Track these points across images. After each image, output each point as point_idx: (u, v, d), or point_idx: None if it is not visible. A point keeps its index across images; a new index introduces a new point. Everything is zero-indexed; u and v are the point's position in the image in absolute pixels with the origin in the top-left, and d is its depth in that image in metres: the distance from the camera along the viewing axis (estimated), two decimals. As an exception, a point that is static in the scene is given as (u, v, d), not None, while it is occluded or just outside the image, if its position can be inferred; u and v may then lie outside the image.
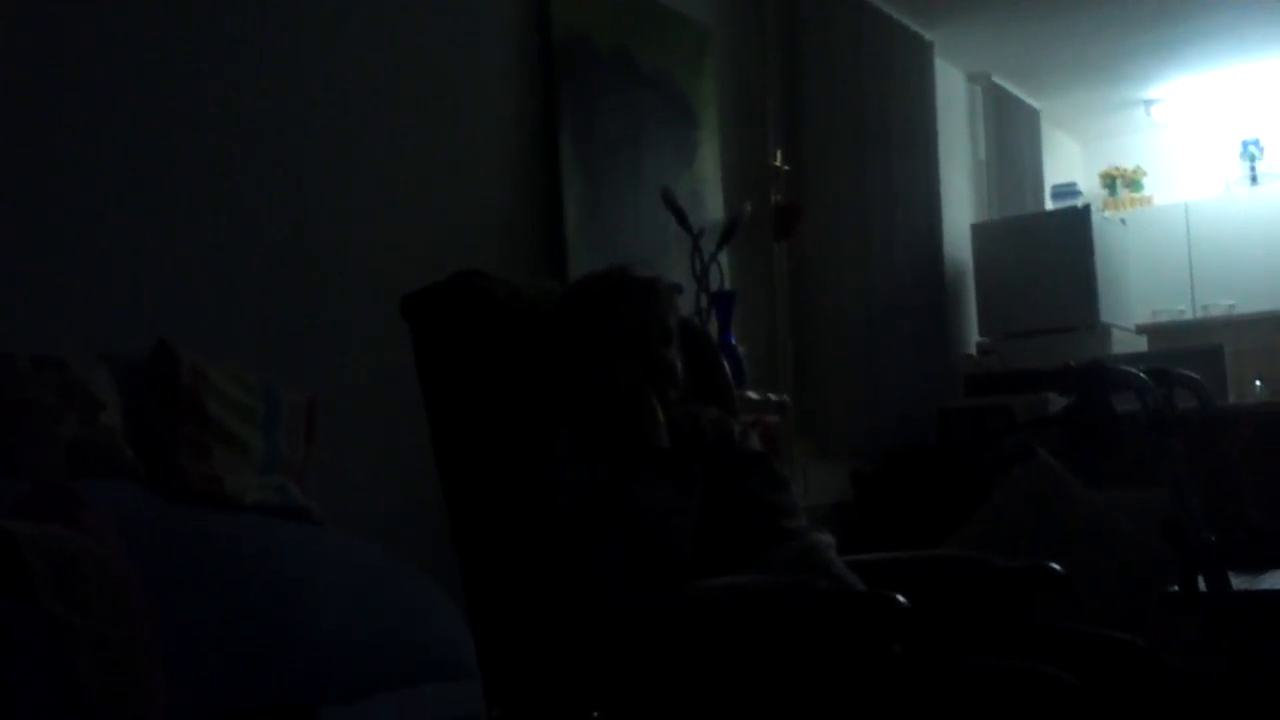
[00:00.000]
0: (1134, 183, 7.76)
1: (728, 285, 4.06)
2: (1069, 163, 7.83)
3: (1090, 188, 7.75)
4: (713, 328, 3.81)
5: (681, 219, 3.83)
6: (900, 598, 1.55)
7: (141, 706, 1.56)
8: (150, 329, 2.22)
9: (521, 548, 1.82)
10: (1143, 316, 6.92)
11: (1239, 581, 2.10)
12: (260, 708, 1.78)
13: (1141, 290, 6.84)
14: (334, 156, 2.95)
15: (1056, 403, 4.58)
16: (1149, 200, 7.68)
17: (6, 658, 1.48)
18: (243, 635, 1.84)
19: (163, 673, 1.60)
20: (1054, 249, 6.04)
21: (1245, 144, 7.48)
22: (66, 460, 1.93)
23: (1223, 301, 7.13)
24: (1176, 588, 1.96)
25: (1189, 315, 7.22)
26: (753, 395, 3.84)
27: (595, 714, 1.26)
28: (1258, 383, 6.62)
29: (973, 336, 6.34)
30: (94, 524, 1.71)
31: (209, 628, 1.80)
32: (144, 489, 2.00)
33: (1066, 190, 7.17)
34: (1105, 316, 5.99)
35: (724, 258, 4.03)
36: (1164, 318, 7.16)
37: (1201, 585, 1.90)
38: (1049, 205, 7.00)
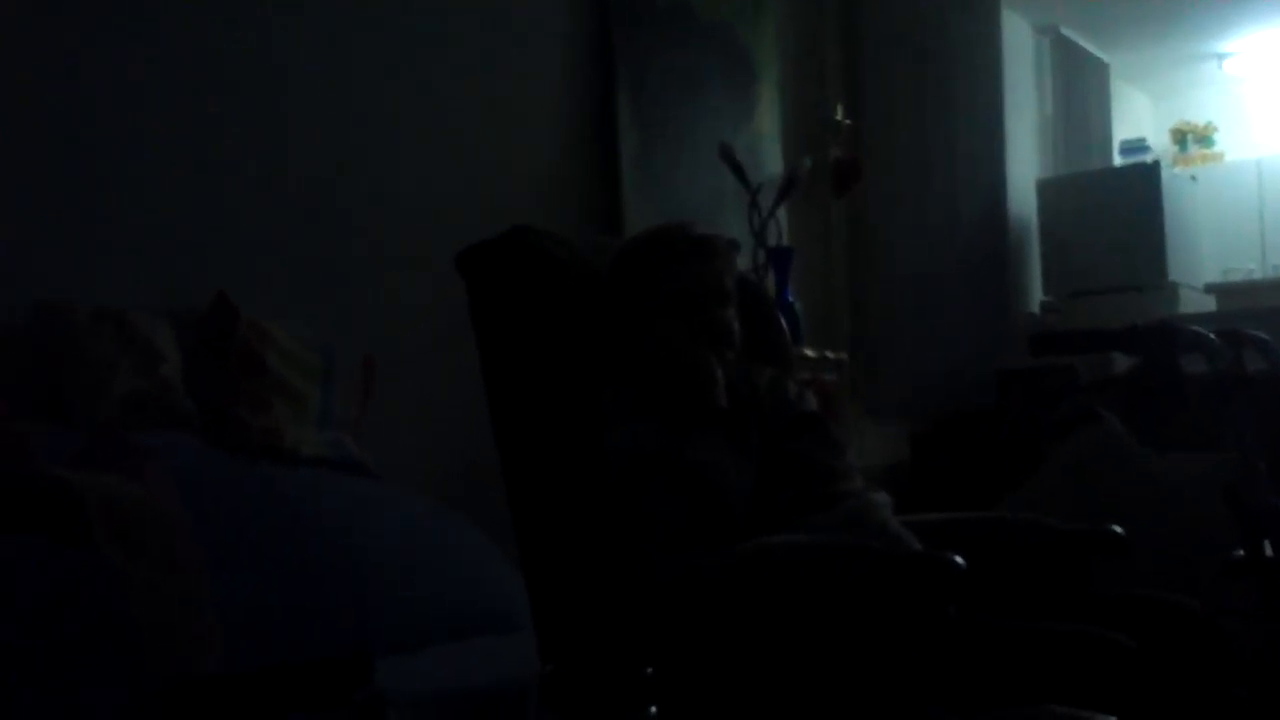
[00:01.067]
0: (1205, 139, 7.59)
1: (785, 241, 4.02)
2: (1138, 118, 7.66)
3: (1160, 144, 7.58)
4: (770, 284, 3.78)
5: (739, 174, 3.79)
6: (957, 558, 1.53)
7: (197, 650, 1.59)
8: (206, 284, 2.24)
9: (574, 505, 1.83)
10: (1212, 275, 6.78)
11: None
12: (316, 656, 1.80)
13: (1211, 249, 6.70)
14: (389, 112, 2.95)
15: (1122, 363, 4.50)
16: (1220, 156, 7.51)
17: (66, 604, 1.50)
18: (298, 585, 1.87)
19: (218, 620, 1.63)
20: (1122, 206, 5.92)
21: (1321, 99, 7.28)
22: (125, 411, 1.95)
23: (1295, 261, 6.98)
24: (1240, 553, 1.92)
25: (1259, 275, 7.07)
26: (809, 353, 3.80)
27: (648, 670, 1.27)
28: (1330, 344, 6.46)
29: (1036, 295, 6.24)
30: (151, 474, 1.73)
31: (265, 577, 1.83)
32: (202, 440, 2.03)
33: (1135, 146, 7.01)
34: (1173, 275, 5.88)
35: (782, 214, 3.99)
36: (1234, 277, 7.01)
37: (1267, 550, 1.86)
38: (1117, 161, 6.86)
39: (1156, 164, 6.15)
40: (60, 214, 2.24)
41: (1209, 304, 6.32)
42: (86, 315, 1.97)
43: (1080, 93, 6.69)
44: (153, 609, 1.57)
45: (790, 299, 3.85)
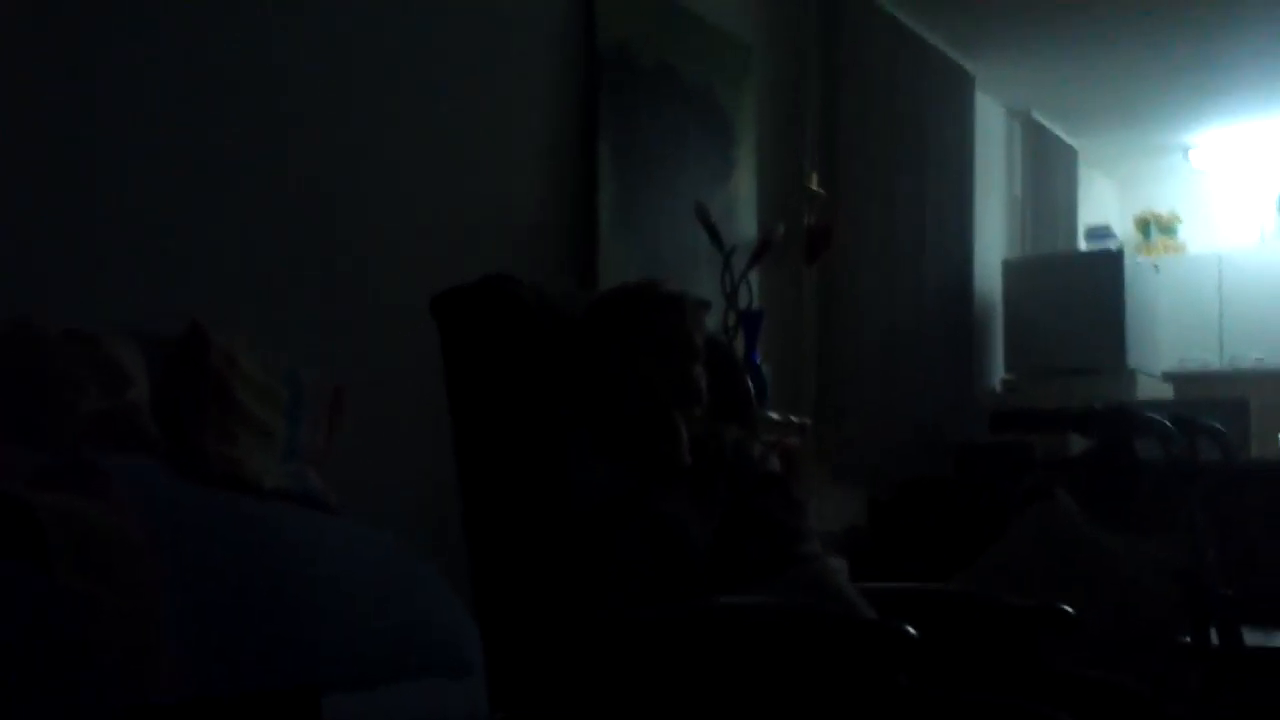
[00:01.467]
0: (1168, 228, 7.73)
1: (756, 304, 4.06)
2: (1104, 204, 7.80)
3: (1124, 231, 7.71)
4: (739, 346, 3.81)
5: (714, 235, 3.84)
6: (909, 628, 1.54)
7: (152, 675, 1.57)
8: (182, 310, 2.23)
9: (534, 550, 1.83)
10: (1170, 364, 6.88)
11: (1252, 637, 2.09)
12: (265, 688, 1.78)
13: (1170, 337, 6.81)
14: (373, 151, 2.97)
15: (1078, 444, 4.56)
16: (1183, 247, 7.65)
17: (22, 626, 1.49)
18: (251, 616, 1.85)
19: (171, 645, 1.61)
20: (1085, 290, 6.02)
21: (1282, 196, 7.44)
22: (90, 432, 1.94)
23: (1251, 354, 7.09)
24: (1188, 638, 1.95)
25: (1216, 365, 7.18)
26: (774, 416, 3.83)
27: (598, 722, 1.27)
28: (1281, 438, 6.57)
29: (998, 372, 6.31)
30: (112, 496, 1.72)
31: (219, 606, 1.81)
32: (165, 466, 2.01)
33: (1100, 232, 7.14)
34: (1132, 361, 5.96)
35: (754, 276, 4.03)
36: (1191, 366, 7.12)
37: (1214, 638, 1.89)
38: (1082, 246, 6.98)
39: (1120, 251, 6.26)
40: (34, 233, 2.24)
41: (1166, 391, 6.41)
42: (56, 335, 1.96)
43: (1049, 176, 6.82)
44: (109, 631, 1.55)
45: (758, 361, 3.89)
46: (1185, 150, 7.34)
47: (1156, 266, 6.97)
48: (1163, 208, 7.80)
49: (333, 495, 2.27)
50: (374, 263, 2.92)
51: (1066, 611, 1.96)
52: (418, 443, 2.57)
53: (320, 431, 2.32)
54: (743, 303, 3.95)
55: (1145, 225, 7.78)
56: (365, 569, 2.08)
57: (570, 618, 1.74)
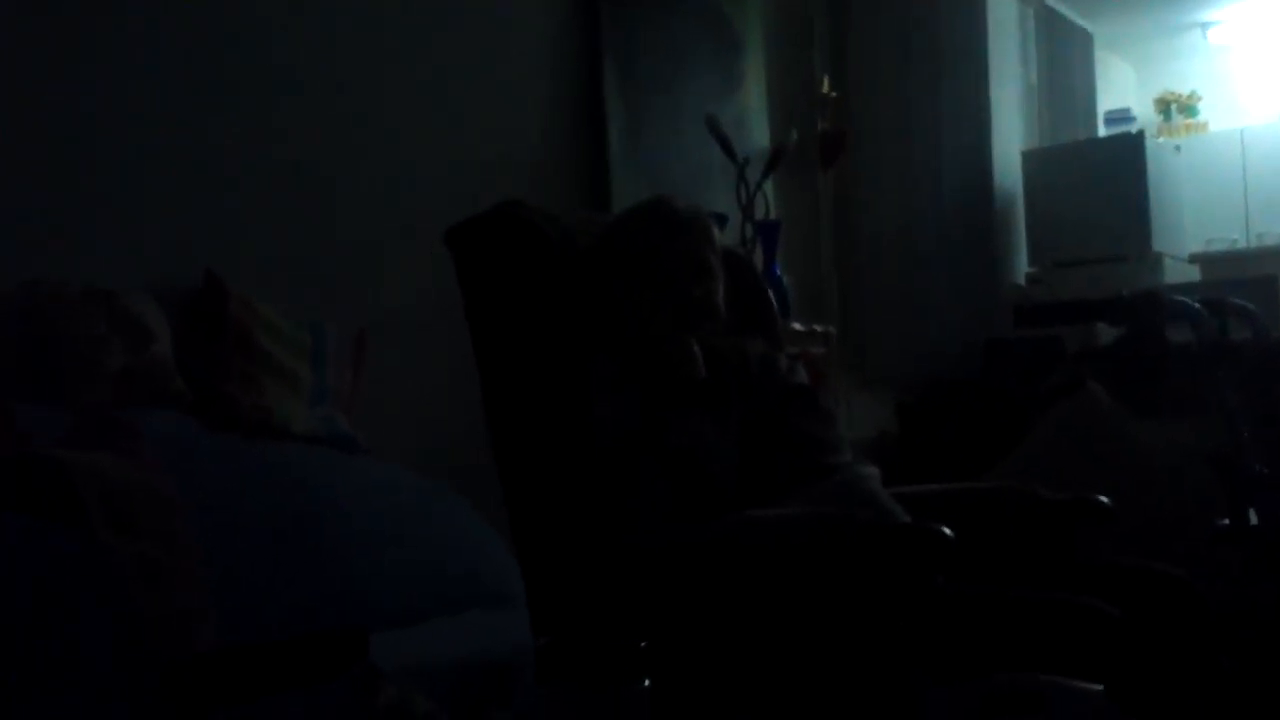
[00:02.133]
0: (1189, 108, 7.59)
1: (773, 215, 4.02)
2: (1122, 88, 7.66)
3: (1144, 113, 7.58)
4: (758, 258, 3.79)
5: (726, 147, 3.79)
6: (944, 529, 1.54)
7: (190, 627, 1.59)
8: (196, 263, 2.23)
9: (563, 479, 1.84)
10: (1196, 245, 6.80)
11: (1290, 515, 2.08)
12: (310, 631, 1.81)
13: (1195, 219, 6.72)
14: (376, 88, 2.94)
15: (1107, 333, 4.52)
16: (1204, 126, 7.51)
17: (60, 584, 1.51)
18: (290, 560, 1.87)
19: (211, 595, 1.63)
20: (1106, 176, 5.93)
21: (1305, 68, 7.29)
22: (116, 389, 1.96)
23: (1277, 230, 6.99)
24: (1226, 520, 1.94)
25: (1243, 244, 7.09)
26: (798, 326, 3.82)
27: (642, 644, 1.28)
28: (1312, 313, 6.50)
29: (1022, 266, 6.26)
30: (142, 451, 1.73)
31: (259, 553, 1.84)
32: (193, 418, 2.03)
33: (1119, 116, 7.02)
34: (1158, 245, 5.89)
35: (769, 186, 3.99)
36: (1218, 247, 7.03)
37: (1252, 519, 1.88)
38: (1101, 131, 6.87)
39: (1141, 134, 6.15)
40: (51, 193, 2.24)
41: (1193, 274, 6.34)
42: (77, 294, 1.96)
43: (1065, 63, 6.69)
44: (145, 585, 1.57)
45: (778, 272, 3.86)
46: (1204, 27, 7.18)
47: (1178, 147, 6.85)
48: (1183, 87, 7.65)
49: (363, 437, 2.28)
50: (387, 206, 2.91)
51: (1103, 502, 1.96)
52: (444, 382, 2.58)
53: (346, 375, 2.33)
54: (759, 214, 3.91)
55: (1165, 106, 7.64)
56: (401, 509, 2.10)
57: (601, 546, 1.75)
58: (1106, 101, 7.13)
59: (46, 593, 1.49)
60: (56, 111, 2.27)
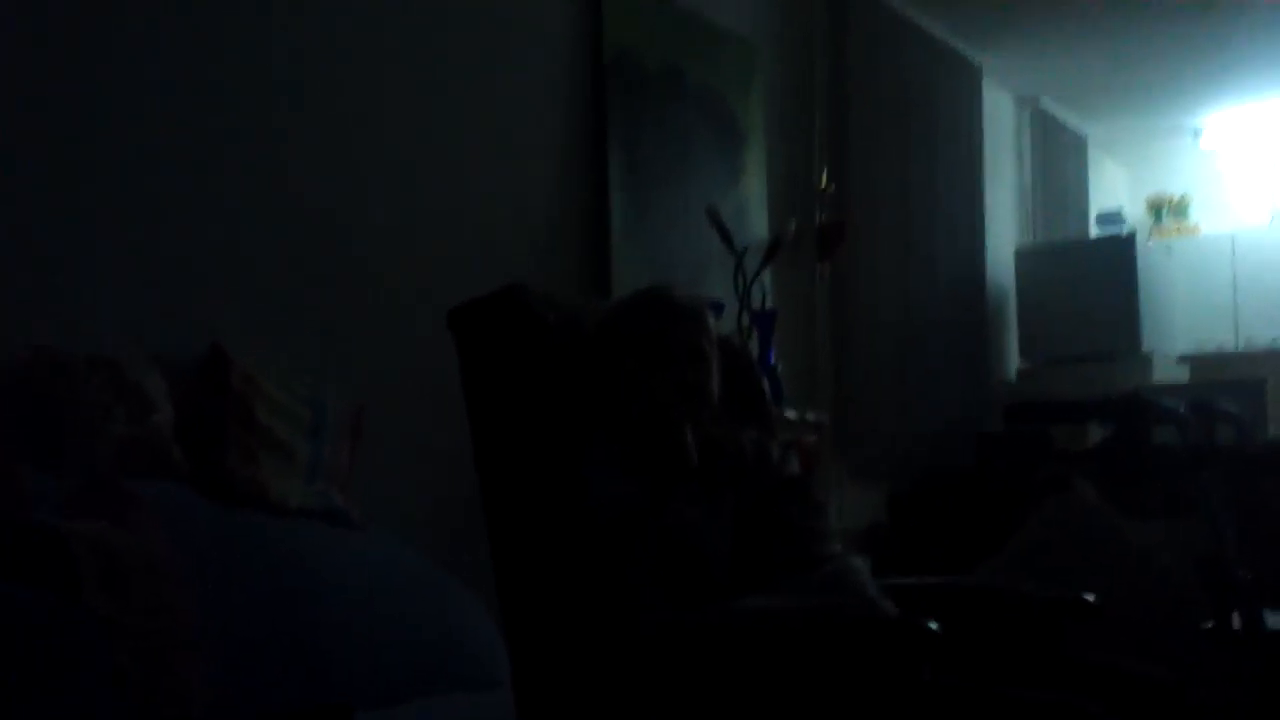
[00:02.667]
0: (1180, 211, 7.70)
1: (770, 304, 4.07)
2: (1115, 189, 7.78)
3: (1136, 215, 7.69)
4: (754, 346, 3.82)
5: (726, 237, 3.85)
6: (931, 624, 1.56)
7: (181, 698, 1.60)
8: (201, 333, 2.26)
9: (557, 561, 1.84)
10: (1186, 346, 6.85)
11: (1273, 620, 2.09)
12: (298, 707, 1.81)
13: (1185, 320, 6.78)
14: (385, 165, 2.99)
15: (1096, 430, 4.55)
16: (1195, 229, 7.62)
17: (52, 651, 1.52)
18: (281, 635, 1.88)
19: (203, 667, 1.64)
20: (1098, 276, 6.00)
21: (1295, 174, 7.41)
22: (116, 458, 1.97)
23: (1267, 334, 7.07)
24: (1210, 623, 1.95)
25: (1232, 346, 7.15)
26: (791, 415, 3.84)
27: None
28: (1301, 417, 6.54)
29: (1013, 361, 6.31)
30: (142, 521, 1.75)
31: (249, 626, 1.84)
32: (191, 490, 2.04)
33: (1112, 217, 7.13)
34: (1148, 345, 5.95)
35: (767, 276, 4.04)
36: (1207, 348, 7.09)
37: (1235, 623, 1.90)
38: (1094, 232, 6.96)
39: (1132, 235, 6.25)
40: (55, 260, 2.27)
41: (1182, 374, 6.39)
42: (81, 362, 1.99)
43: (1059, 164, 6.81)
44: (138, 655, 1.58)
45: (773, 361, 3.90)
46: (1195, 132, 7.32)
47: (1169, 249, 6.95)
48: (1174, 190, 7.77)
49: (357, 513, 2.29)
50: (389, 278, 2.95)
51: (1089, 600, 1.97)
52: (441, 458, 2.59)
53: (343, 450, 2.35)
54: (756, 303, 3.96)
55: (1157, 208, 7.76)
56: (392, 586, 2.11)
57: (592, 629, 1.75)
58: (1099, 202, 7.24)
59: (39, 660, 1.50)
60: (61, 177, 2.30)
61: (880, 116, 5.07)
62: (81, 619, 1.56)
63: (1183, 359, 6.66)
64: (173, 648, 1.61)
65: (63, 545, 1.59)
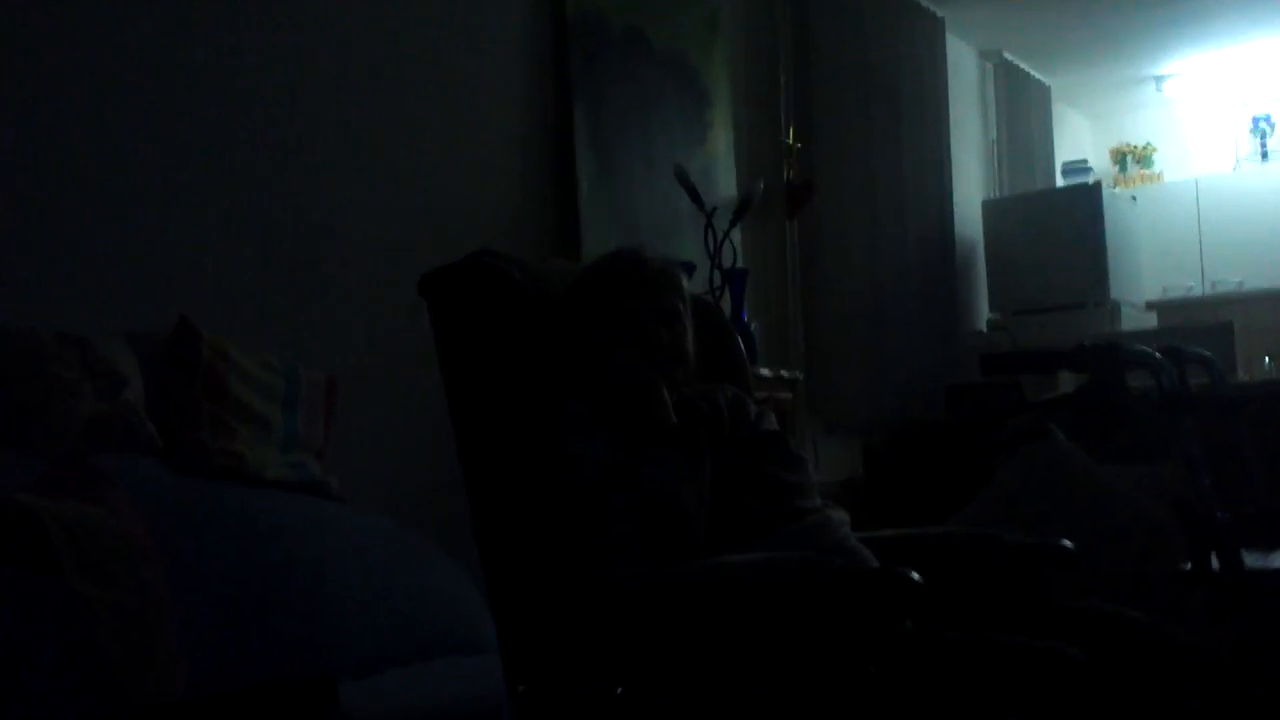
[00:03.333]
0: (1144, 159, 7.75)
1: (741, 263, 4.07)
2: (1079, 140, 7.81)
3: (1101, 165, 7.73)
4: (726, 305, 3.82)
5: (694, 197, 3.84)
6: (913, 574, 1.56)
7: (162, 676, 1.58)
8: (171, 309, 2.23)
9: (536, 521, 1.84)
10: (1153, 293, 6.92)
11: (1251, 560, 2.12)
12: (281, 678, 1.80)
13: (1152, 267, 6.84)
14: (349, 136, 2.96)
15: (1067, 380, 4.59)
16: (1159, 177, 7.67)
17: (30, 631, 1.50)
18: (262, 607, 1.87)
19: (182, 643, 1.63)
20: (1064, 226, 6.03)
21: (1256, 120, 7.46)
22: (87, 435, 1.95)
23: (1232, 278, 7.13)
24: (1188, 565, 1.97)
25: (1199, 292, 7.22)
26: (765, 372, 3.85)
27: (618, 690, 1.28)
28: (1267, 359, 6.61)
29: (983, 313, 6.34)
30: (114, 498, 1.73)
31: (229, 600, 1.83)
32: (164, 464, 2.02)
33: (1077, 167, 7.16)
34: (1115, 293, 5.99)
35: (737, 235, 4.04)
36: (1174, 294, 7.16)
37: (1214, 564, 1.91)
38: (1059, 182, 6.99)
39: (1098, 184, 6.27)
40: (23, 238, 2.24)
41: (1150, 321, 6.45)
42: (50, 340, 1.96)
43: (1023, 115, 6.82)
44: (117, 634, 1.56)
45: (746, 319, 3.90)
46: (1157, 81, 7.34)
47: (1134, 197, 6.99)
48: (1137, 139, 7.81)
49: (336, 483, 2.28)
50: (357, 246, 2.92)
51: (1066, 546, 1.98)
52: (417, 427, 2.58)
53: (318, 420, 2.33)
54: (726, 262, 3.95)
55: (1121, 157, 7.80)
56: (373, 554, 2.10)
57: (574, 589, 1.75)
58: (1064, 153, 7.26)
59: (15, 639, 1.49)
60: (28, 155, 2.27)
61: (845, 73, 5.05)
62: (58, 597, 1.54)
63: (1150, 305, 6.72)
64: (151, 624, 1.59)
65: (37, 523, 1.57)
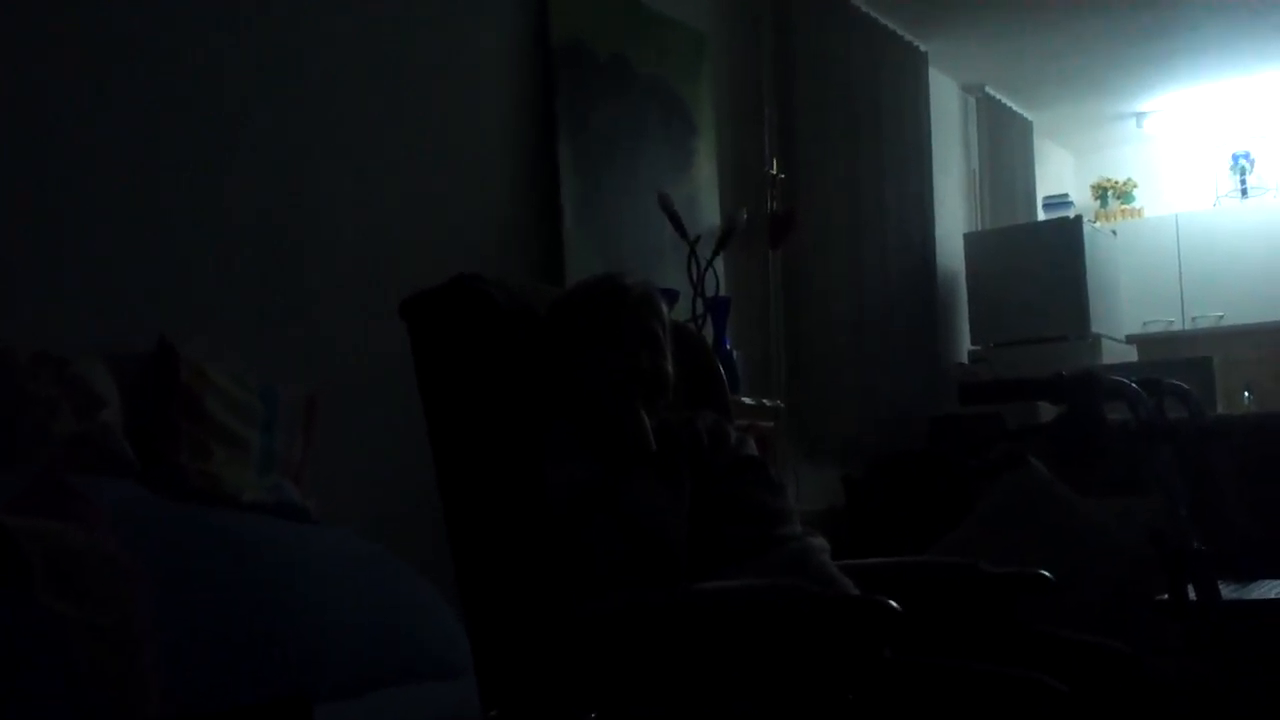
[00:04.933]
0: (1125, 194, 7.81)
1: (723, 291, 4.08)
2: (1061, 174, 7.87)
3: (1082, 199, 7.79)
4: (708, 333, 3.83)
5: (678, 224, 3.85)
6: (892, 602, 1.56)
7: (137, 696, 1.57)
8: (150, 327, 2.23)
9: (515, 546, 1.84)
10: (1133, 327, 6.96)
11: (1227, 591, 2.13)
12: (256, 702, 1.79)
13: (1132, 301, 6.89)
14: (335, 158, 2.97)
15: (1047, 411, 4.60)
16: (1140, 212, 7.73)
17: (4, 649, 1.49)
18: (238, 629, 1.85)
19: (159, 663, 1.61)
20: (1045, 259, 6.07)
21: (1235, 157, 7.53)
22: (65, 456, 1.94)
23: (1212, 313, 7.18)
24: (1165, 595, 1.97)
25: (1178, 326, 7.27)
26: (747, 400, 3.85)
27: (593, 715, 1.27)
28: (1246, 394, 6.66)
29: (964, 345, 6.37)
30: (90, 518, 1.72)
31: (205, 622, 1.82)
32: (141, 486, 2.01)
33: (1058, 201, 7.21)
34: (1096, 327, 6.02)
35: (720, 263, 4.05)
36: (1154, 328, 7.20)
37: (1190, 594, 1.92)
38: (1041, 216, 7.04)
39: (1079, 219, 6.32)
40: (1, 257, 2.23)
41: (1130, 354, 6.48)
42: (27, 359, 1.95)
43: (1005, 149, 6.87)
44: (92, 653, 1.55)
45: (728, 347, 3.90)
46: (1138, 117, 7.41)
47: (1115, 232, 7.04)
48: (1118, 174, 7.87)
49: (313, 505, 2.27)
50: (339, 269, 2.92)
51: (1044, 575, 1.99)
52: (396, 450, 2.57)
53: (297, 442, 2.32)
54: (709, 290, 3.96)
55: (1102, 192, 7.86)
56: (349, 577, 2.09)
57: (552, 614, 1.75)
58: (1045, 187, 7.32)
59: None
60: (4, 171, 2.26)
61: (828, 103, 5.09)
62: (33, 617, 1.53)
63: (1131, 339, 6.75)
64: (126, 643, 1.58)
65: (11, 541, 1.55)
